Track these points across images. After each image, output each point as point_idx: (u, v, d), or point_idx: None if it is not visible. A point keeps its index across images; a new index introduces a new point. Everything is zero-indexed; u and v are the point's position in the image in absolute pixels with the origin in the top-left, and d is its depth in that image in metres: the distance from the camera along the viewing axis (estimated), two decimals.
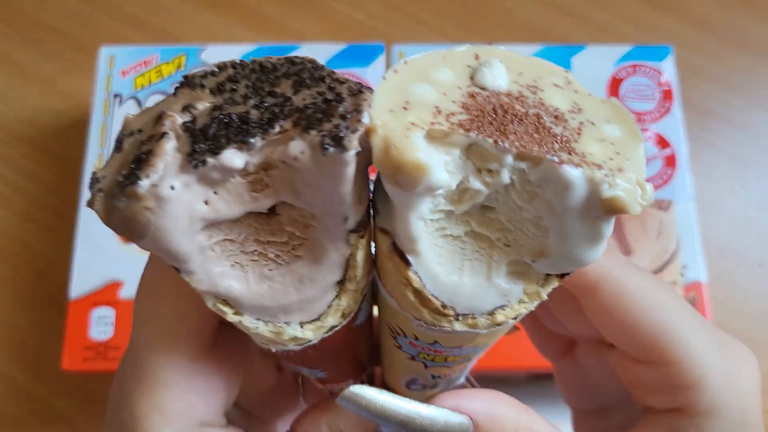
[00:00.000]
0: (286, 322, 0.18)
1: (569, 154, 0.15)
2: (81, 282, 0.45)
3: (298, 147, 0.15)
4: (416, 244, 0.17)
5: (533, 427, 0.22)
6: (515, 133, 0.15)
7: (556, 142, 0.15)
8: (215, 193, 0.16)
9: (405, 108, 0.15)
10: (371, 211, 0.18)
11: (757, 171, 0.55)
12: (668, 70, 0.50)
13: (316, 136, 0.15)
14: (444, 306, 0.18)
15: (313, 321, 0.19)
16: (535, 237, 0.17)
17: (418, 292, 0.17)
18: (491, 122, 0.15)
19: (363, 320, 0.22)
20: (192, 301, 0.20)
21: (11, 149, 0.55)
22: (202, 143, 0.15)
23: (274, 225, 0.17)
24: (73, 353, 0.43)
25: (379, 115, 0.15)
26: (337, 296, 0.19)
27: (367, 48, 0.51)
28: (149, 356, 0.21)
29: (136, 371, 0.21)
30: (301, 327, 0.19)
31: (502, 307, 0.18)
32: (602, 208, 0.15)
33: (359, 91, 0.16)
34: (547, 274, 0.18)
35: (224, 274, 0.17)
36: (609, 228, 0.16)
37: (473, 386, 0.29)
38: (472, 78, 0.16)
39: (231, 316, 0.18)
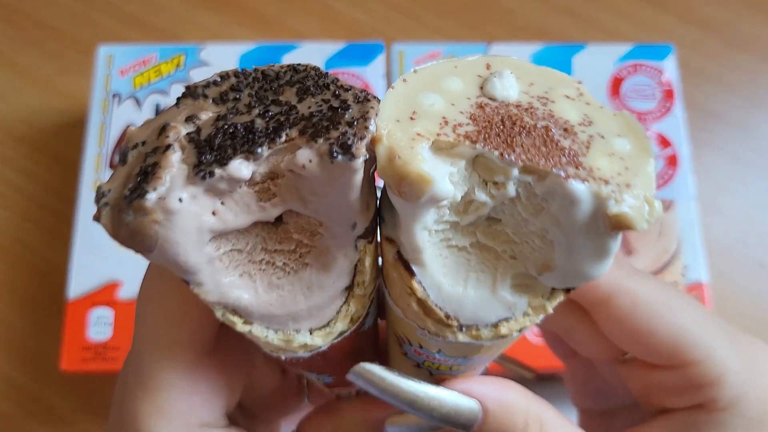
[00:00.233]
0: (295, 330, 0.18)
1: (576, 168, 0.15)
2: (80, 282, 0.44)
3: (305, 155, 0.15)
4: (421, 254, 0.17)
5: (543, 416, 0.22)
6: (522, 146, 0.15)
7: (564, 156, 0.15)
8: (222, 203, 0.15)
9: (412, 118, 0.15)
10: (377, 223, 0.18)
11: (758, 171, 0.55)
12: (669, 69, 0.50)
13: (323, 144, 0.15)
14: (448, 316, 0.17)
15: (322, 327, 0.19)
16: (540, 250, 0.17)
17: (421, 302, 0.17)
18: (498, 134, 0.15)
19: (370, 324, 0.22)
20: (193, 304, 0.20)
21: (10, 149, 0.55)
22: (208, 154, 0.15)
23: (282, 233, 0.17)
24: (72, 354, 0.43)
25: (386, 124, 0.15)
26: (345, 302, 0.19)
27: (367, 47, 0.50)
28: (150, 359, 0.21)
29: (138, 374, 0.21)
30: (311, 334, 0.19)
31: (506, 319, 0.18)
32: (608, 225, 0.15)
33: (365, 98, 0.16)
34: (553, 288, 0.18)
35: (233, 284, 0.17)
36: (616, 244, 0.16)
37: None
38: (481, 88, 0.16)
39: (240, 326, 0.18)
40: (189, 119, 0.15)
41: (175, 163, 0.15)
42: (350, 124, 0.15)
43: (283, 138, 0.15)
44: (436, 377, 0.25)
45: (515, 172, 0.15)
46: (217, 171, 0.14)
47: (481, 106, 0.16)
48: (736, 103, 0.57)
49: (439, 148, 0.15)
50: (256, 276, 0.17)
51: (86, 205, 0.46)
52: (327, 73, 0.16)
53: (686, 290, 0.45)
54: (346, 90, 0.16)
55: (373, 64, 0.50)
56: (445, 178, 0.15)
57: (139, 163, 0.15)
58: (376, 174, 0.16)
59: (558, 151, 0.15)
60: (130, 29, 0.59)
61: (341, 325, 0.19)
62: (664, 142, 0.48)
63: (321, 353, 0.20)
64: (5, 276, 0.51)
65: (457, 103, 0.16)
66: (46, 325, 0.50)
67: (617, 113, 0.17)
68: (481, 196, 0.16)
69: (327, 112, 0.15)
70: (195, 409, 0.21)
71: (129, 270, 0.45)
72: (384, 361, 0.28)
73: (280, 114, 0.15)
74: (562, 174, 0.15)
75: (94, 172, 0.47)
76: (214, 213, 0.15)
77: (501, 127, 0.15)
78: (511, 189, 0.16)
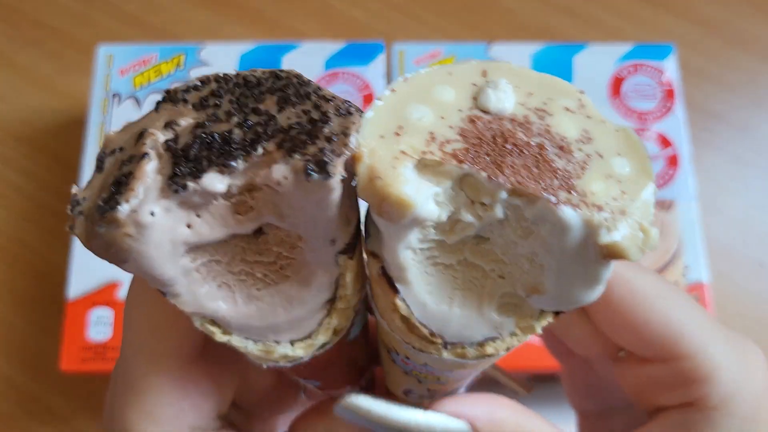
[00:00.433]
0: (276, 341, 0.18)
1: (569, 192, 0.14)
2: (79, 282, 0.44)
3: (280, 171, 0.14)
4: (405, 272, 0.16)
5: (534, 430, 0.21)
6: (512, 167, 0.14)
7: (556, 179, 0.14)
8: (198, 216, 0.15)
9: (398, 133, 0.15)
10: (359, 237, 0.17)
11: (758, 171, 0.55)
12: (670, 69, 0.50)
13: (299, 161, 0.14)
14: (432, 334, 0.17)
15: (303, 339, 0.18)
16: (530, 272, 0.16)
17: (405, 319, 0.17)
18: (488, 153, 0.15)
19: (357, 333, 0.22)
20: (179, 309, 0.20)
21: (9, 149, 0.55)
22: (183, 165, 0.14)
23: (261, 245, 0.16)
24: (72, 354, 0.43)
25: (368, 141, 0.14)
26: (327, 314, 0.18)
27: (367, 46, 0.50)
28: (138, 366, 0.21)
29: (127, 381, 0.21)
30: (292, 345, 0.18)
31: (492, 338, 0.17)
32: (600, 254, 0.14)
33: (348, 111, 0.15)
34: (542, 310, 0.17)
35: (211, 294, 0.16)
36: (607, 272, 0.15)
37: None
38: (475, 99, 0.16)
39: (219, 336, 0.17)
40: (168, 125, 0.15)
41: (150, 174, 0.14)
42: (329, 140, 0.14)
43: (260, 151, 0.14)
44: (430, 395, 0.25)
45: (503, 194, 0.15)
46: (191, 185, 0.14)
47: (472, 120, 0.15)
48: (737, 103, 0.57)
49: (424, 167, 0.15)
50: (235, 287, 0.17)
51: None
52: (309, 81, 0.16)
53: (687, 290, 0.45)
54: (328, 101, 0.15)
55: (374, 64, 0.50)
56: (429, 199, 0.15)
57: (114, 171, 0.15)
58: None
59: (551, 173, 0.15)
60: (130, 29, 0.59)
61: (323, 337, 0.18)
62: (665, 142, 0.48)
63: (304, 363, 0.19)
64: (5, 276, 0.51)
65: (447, 116, 0.15)
66: (45, 325, 0.50)
67: (619, 129, 0.16)
68: (467, 217, 0.15)
69: (306, 124, 0.15)
70: (185, 413, 0.21)
71: None
72: (377, 362, 0.27)
73: (258, 125, 0.15)
74: (553, 199, 0.14)
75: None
76: (189, 226, 0.15)
77: (492, 145, 0.15)
78: (499, 211, 0.15)
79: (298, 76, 0.16)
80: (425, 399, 0.26)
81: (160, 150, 0.14)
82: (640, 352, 0.22)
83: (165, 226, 0.14)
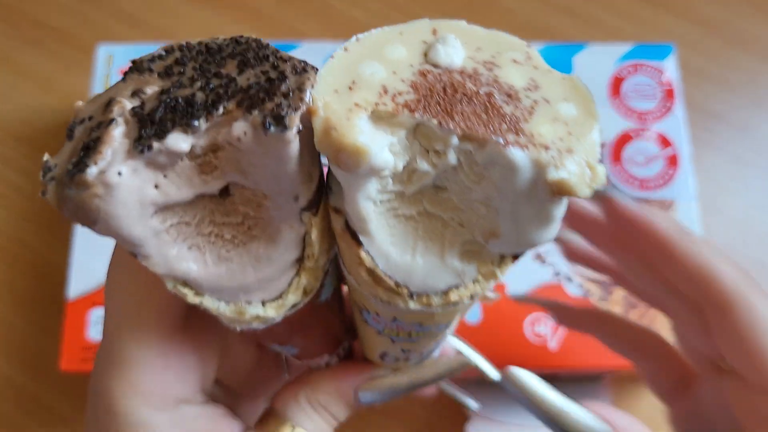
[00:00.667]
0: (247, 302, 0.18)
1: (517, 134, 0.15)
2: (79, 282, 0.44)
3: (240, 128, 0.15)
4: (367, 224, 0.17)
5: None
6: (462, 114, 0.15)
7: (505, 123, 0.15)
8: (165, 176, 0.16)
9: (351, 88, 0.15)
10: (323, 194, 0.18)
11: (758, 171, 0.55)
12: (670, 69, 0.50)
13: (257, 116, 0.15)
14: (397, 285, 0.17)
15: (274, 299, 0.19)
16: (486, 218, 0.16)
17: (371, 272, 0.17)
18: (439, 102, 0.15)
19: (328, 296, 0.22)
20: (158, 281, 0.20)
21: (9, 148, 0.55)
22: (149, 128, 0.15)
23: (229, 206, 0.17)
24: (72, 354, 0.43)
25: (322, 96, 0.15)
26: (297, 274, 0.19)
27: None
28: (120, 338, 0.21)
29: (109, 355, 0.21)
30: (263, 306, 0.19)
31: (456, 286, 0.17)
32: (549, 191, 0.15)
33: (303, 69, 0.16)
34: (502, 255, 0.17)
35: (181, 256, 0.17)
36: (560, 210, 0.16)
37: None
38: (425, 55, 0.16)
39: (192, 298, 0.18)
40: (134, 94, 0.16)
41: (117, 138, 0.15)
42: (285, 96, 0.15)
43: (221, 110, 0.15)
44: (405, 356, 0.25)
45: (455, 140, 0.15)
46: (156, 144, 0.15)
47: (423, 74, 0.16)
48: (737, 103, 0.57)
49: (378, 118, 0.15)
50: (205, 248, 0.17)
51: None
52: (268, 44, 0.17)
53: None
54: (285, 61, 0.16)
55: None
56: (384, 148, 0.15)
57: (84, 137, 0.15)
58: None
59: (499, 118, 0.15)
60: (130, 28, 0.59)
61: (293, 297, 0.19)
62: (665, 142, 0.48)
63: (279, 326, 0.20)
64: (5, 276, 0.51)
65: (398, 71, 0.16)
66: (45, 325, 0.50)
67: (565, 77, 0.16)
68: (422, 165, 0.16)
69: (264, 83, 0.15)
70: (169, 385, 0.21)
71: None
72: (353, 329, 0.28)
73: (219, 87, 0.15)
74: (501, 141, 0.15)
75: None
76: (156, 186, 0.16)
77: (442, 95, 0.15)
78: (452, 157, 0.15)
79: (257, 41, 0.17)
80: (401, 362, 0.26)
81: (127, 116, 0.15)
82: (750, 377, 0.22)
83: (132, 186, 0.15)
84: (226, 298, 0.18)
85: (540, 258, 0.45)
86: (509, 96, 0.16)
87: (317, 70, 0.16)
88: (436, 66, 0.16)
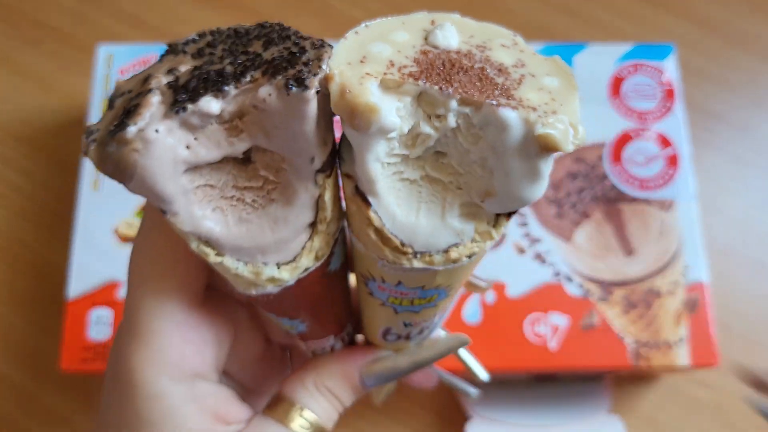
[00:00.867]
0: (264, 263, 0.20)
1: (508, 99, 0.17)
2: (79, 282, 0.44)
3: (265, 90, 0.17)
4: (375, 185, 0.19)
5: None
6: (460, 82, 0.17)
7: (497, 90, 0.17)
8: (195, 139, 0.17)
9: (362, 61, 0.17)
10: (337, 159, 0.20)
11: (758, 171, 0.55)
12: (670, 69, 0.50)
13: (281, 80, 0.17)
14: (403, 244, 0.19)
15: (288, 262, 0.20)
16: (482, 178, 0.18)
17: (378, 231, 0.19)
18: (439, 73, 0.17)
19: (337, 267, 0.24)
20: (182, 256, 0.21)
21: (9, 148, 0.55)
22: (184, 94, 0.17)
23: (250, 171, 0.19)
24: (72, 354, 0.43)
25: (338, 66, 0.17)
26: (309, 238, 0.20)
27: None
28: (142, 309, 0.22)
29: (131, 325, 0.22)
30: (278, 268, 0.20)
31: (456, 245, 0.19)
32: (537, 146, 0.17)
33: (321, 45, 0.18)
34: (497, 215, 0.20)
35: (206, 216, 0.19)
36: (547, 167, 0.18)
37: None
38: (426, 39, 0.18)
39: (213, 257, 0.19)
40: (170, 71, 0.17)
41: (155, 103, 0.17)
42: (305, 64, 0.17)
43: (248, 78, 0.17)
44: (406, 333, 0.27)
45: (454, 104, 0.17)
46: (190, 106, 0.16)
47: (424, 53, 0.18)
48: (737, 103, 0.57)
49: (386, 86, 0.17)
50: (227, 211, 0.19)
51: (86, 205, 0.46)
52: (290, 27, 0.19)
53: (687, 290, 0.45)
54: (305, 39, 0.18)
55: None
56: (392, 111, 0.17)
57: (124, 106, 0.17)
58: (335, 118, 0.19)
59: (492, 86, 0.17)
60: (130, 28, 0.59)
61: (306, 261, 0.20)
62: (665, 142, 0.48)
63: (290, 290, 0.21)
64: (5, 276, 0.51)
65: (402, 50, 0.18)
66: (45, 325, 0.50)
67: (548, 58, 0.19)
68: (426, 128, 0.18)
69: (287, 56, 0.17)
70: (188, 358, 0.22)
71: None
72: (356, 318, 0.30)
73: (247, 61, 0.18)
74: (494, 103, 0.17)
75: (94, 171, 0.47)
76: (188, 147, 0.17)
77: (441, 68, 0.18)
78: (452, 120, 0.17)
79: (280, 24, 0.19)
80: (402, 340, 0.28)
81: (163, 88, 0.17)
82: None
83: (167, 144, 0.17)
84: (245, 258, 0.20)
85: (540, 258, 0.46)
86: (499, 70, 0.18)
87: (332, 46, 0.18)
88: (435, 47, 0.18)
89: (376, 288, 0.23)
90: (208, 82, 0.17)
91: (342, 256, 0.24)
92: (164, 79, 0.17)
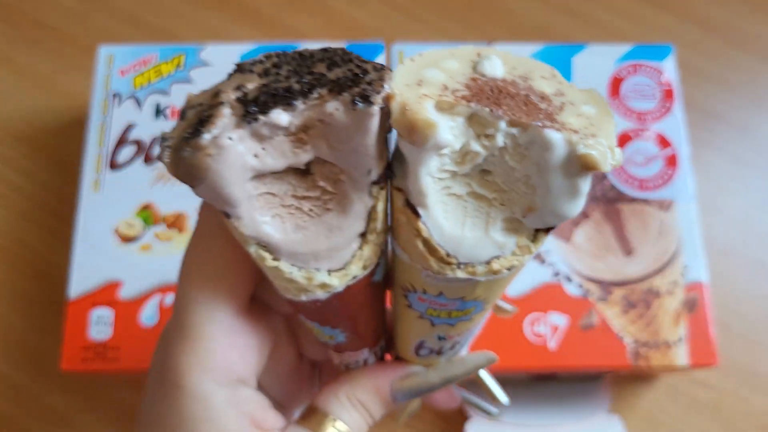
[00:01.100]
0: (316, 268, 0.21)
1: (552, 122, 0.18)
2: (80, 282, 0.44)
3: (333, 105, 0.18)
4: (425, 198, 0.20)
5: None
6: (507, 106, 0.19)
7: (541, 114, 0.19)
8: (263, 148, 0.19)
9: (418, 84, 0.19)
10: (389, 175, 0.21)
11: (758, 171, 0.55)
12: (669, 69, 0.50)
13: (347, 96, 0.18)
14: (448, 255, 0.21)
15: (339, 270, 0.22)
16: (525, 195, 0.20)
17: (426, 242, 0.20)
18: (488, 97, 0.19)
19: (380, 279, 0.25)
20: (233, 262, 0.22)
21: (9, 149, 0.55)
22: (254, 107, 0.18)
23: (309, 182, 0.20)
24: (72, 353, 0.43)
25: (397, 86, 0.19)
26: (359, 247, 0.22)
27: (367, 47, 0.50)
28: (193, 311, 0.22)
29: (180, 325, 0.22)
30: (329, 274, 0.21)
31: (497, 257, 0.21)
32: (579, 165, 0.18)
33: (382, 68, 0.19)
34: (536, 230, 0.21)
35: (266, 222, 0.20)
36: (586, 185, 0.19)
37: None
38: (474, 68, 0.20)
39: (269, 261, 0.21)
40: (238, 88, 0.19)
41: (227, 114, 0.18)
42: (369, 83, 0.19)
43: (315, 95, 0.19)
44: (439, 348, 0.28)
45: (503, 125, 0.19)
46: (261, 117, 0.18)
47: (473, 79, 0.20)
48: (736, 103, 0.57)
49: (441, 107, 0.19)
50: (286, 218, 0.20)
51: (86, 205, 0.46)
52: (351, 52, 0.20)
53: (686, 290, 0.45)
54: (366, 62, 0.20)
55: None
56: (447, 128, 0.19)
57: (196, 116, 0.18)
58: (390, 135, 0.20)
59: (536, 111, 0.19)
60: (131, 29, 0.59)
61: (355, 268, 0.22)
62: (664, 142, 0.48)
63: (337, 297, 0.22)
64: (5, 276, 0.51)
65: (454, 76, 0.20)
66: (46, 324, 0.50)
67: (585, 90, 0.20)
68: (475, 146, 0.19)
69: (351, 76, 0.19)
70: (232, 363, 0.23)
71: (129, 270, 0.45)
72: (390, 338, 0.30)
73: (312, 80, 0.19)
74: (540, 125, 0.18)
75: (95, 172, 0.47)
76: (256, 155, 0.19)
77: (490, 93, 0.19)
78: (500, 140, 0.19)
79: (342, 49, 0.20)
80: (434, 355, 0.28)
81: (233, 102, 0.18)
82: None
83: (238, 151, 0.18)
84: (299, 264, 0.21)
85: (539, 258, 0.46)
86: (542, 98, 0.19)
87: (392, 70, 0.20)
88: (483, 76, 0.20)
89: (415, 300, 0.24)
90: (277, 97, 0.18)
91: (384, 269, 0.25)
92: (233, 95, 0.19)
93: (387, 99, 0.19)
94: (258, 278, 0.24)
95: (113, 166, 0.47)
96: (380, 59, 0.50)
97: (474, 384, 0.37)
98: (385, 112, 0.19)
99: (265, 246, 0.20)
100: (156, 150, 0.48)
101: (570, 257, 0.46)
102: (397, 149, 0.21)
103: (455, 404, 0.35)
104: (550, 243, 0.46)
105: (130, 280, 0.45)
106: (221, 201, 0.19)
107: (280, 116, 0.18)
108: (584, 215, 0.46)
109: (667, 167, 0.47)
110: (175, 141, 0.18)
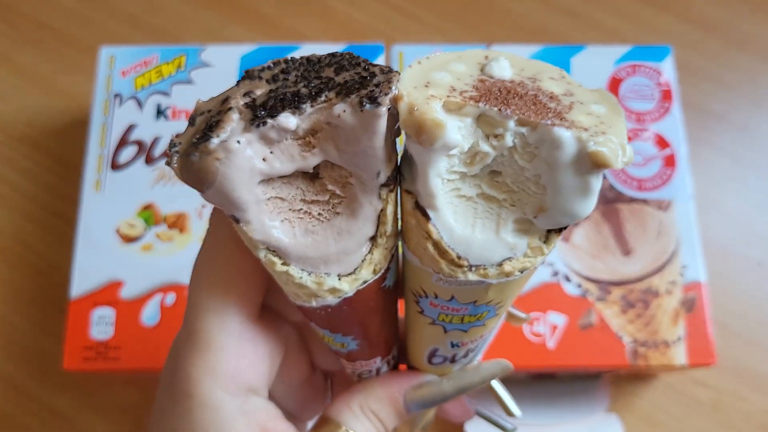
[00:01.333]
0: (326, 273, 0.21)
1: (561, 120, 0.18)
2: (81, 282, 0.45)
3: (340, 107, 0.18)
4: (435, 200, 0.20)
5: None
6: (516, 105, 0.18)
7: (550, 113, 0.18)
8: (272, 152, 0.19)
9: (426, 86, 0.19)
10: (398, 178, 0.21)
11: (757, 171, 0.55)
12: (668, 70, 0.50)
13: (355, 98, 0.18)
14: (459, 257, 0.20)
15: (349, 274, 0.21)
16: (535, 195, 0.19)
17: (436, 244, 0.20)
18: (496, 98, 0.19)
19: (390, 285, 0.24)
20: (244, 270, 0.22)
21: (11, 149, 0.55)
22: (262, 111, 0.18)
23: (318, 186, 0.20)
24: (74, 353, 0.43)
25: (405, 88, 0.19)
26: (369, 251, 0.21)
27: (367, 48, 0.51)
28: (203, 319, 0.22)
29: (191, 334, 0.22)
30: (339, 279, 0.21)
31: (509, 259, 0.20)
32: (589, 162, 0.18)
33: (389, 71, 0.19)
34: (548, 231, 0.20)
35: (275, 226, 0.20)
36: (597, 183, 0.19)
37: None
38: (482, 70, 0.20)
39: (279, 266, 0.20)
40: (246, 94, 0.19)
41: (236, 119, 0.18)
42: (377, 86, 0.19)
43: (323, 98, 0.18)
44: (452, 356, 0.28)
45: (512, 124, 0.18)
46: (269, 121, 0.18)
47: (481, 81, 0.19)
48: (736, 103, 0.58)
49: (449, 108, 0.18)
50: (295, 222, 0.20)
51: (88, 205, 0.46)
52: (359, 56, 0.20)
53: (684, 290, 0.45)
54: (374, 66, 0.20)
55: None
56: (455, 129, 0.18)
57: (205, 122, 0.19)
58: (397, 139, 0.20)
59: (545, 110, 0.18)
60: (132, 30, 0.59)
61: (365, 273, 0.22)
62: (662, 143, 0.48)
63: (347, 302, 0.22)
64: (7, 276, 0.52)
65: (462, 78, 0.19)
66: (47, 324, 0.50)
67: (594, 89, 0.20)
68: (484, 147, 0.19)
69: (358, 79, 0.19)
70: (243, 372, 0.23)
71: (130, 270, 0.45)
72: (402, 347, 0.30)
73: (320, 84, 0.19)
74: (550, 123, 0.18)
75: (96, 172, 0.47)
76: (264, 159, 0.19)
77: (498, 93, 0.19)
78: (509, 139, 0.19)
79: (350, 54, 0.20)
80: (447, 363, 0.28)
81: (242, 108, 0.18)
82: None
83: (246, 155, 0.18)
84: (309, 268, 0.21)
85: None
86: (551, 98, 0.19)
87: (399, 72, 0.19)
88: (491, 77, 0.20)
89: (427, 305, 0.24)
90: (285, 101, 0.18)
91: (395, 274, 0.25)
92: (242, 101, 0.19)
93: (395, 100, 0.18)
94: (268, 286, 0.24)
95: (114, 166, 0.47)
96: (380, 60, 0.50)
97: (485, 393, 0.36)
98: (393, 114, 0.19)
99: (275, 251, 0.20)
100: (157, 150, 0.48)
101: (569, 257, 0.46)
102: (406, 152, 0.21)
103: (469, 417, 0.34)
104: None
105: (131, 280, 0.45)
106: (230, 205, 0.19)
107: (288, 119, 0.18)
108: None
109: (666, 167, 0.48)
110: (184, 146, 0.18)
